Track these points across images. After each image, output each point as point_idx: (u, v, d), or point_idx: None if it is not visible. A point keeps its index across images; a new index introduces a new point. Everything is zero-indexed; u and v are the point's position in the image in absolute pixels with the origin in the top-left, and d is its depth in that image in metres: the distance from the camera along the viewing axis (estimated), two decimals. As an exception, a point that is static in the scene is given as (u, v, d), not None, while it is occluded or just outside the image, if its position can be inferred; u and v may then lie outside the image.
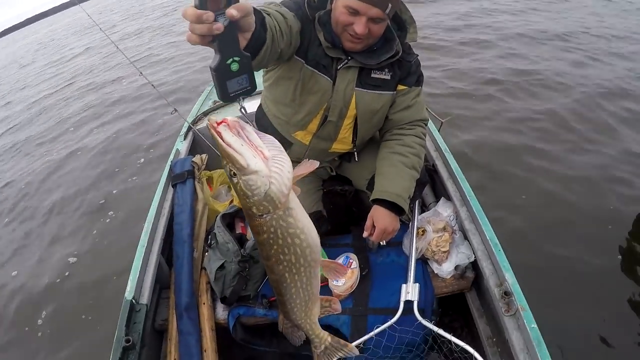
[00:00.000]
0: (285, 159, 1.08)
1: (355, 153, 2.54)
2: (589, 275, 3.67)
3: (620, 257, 3.76)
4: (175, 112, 3.80)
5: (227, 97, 1.18)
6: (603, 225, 4.10)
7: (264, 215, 1.11)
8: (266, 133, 2.43)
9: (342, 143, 2.40)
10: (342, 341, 1.60)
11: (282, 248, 1.19)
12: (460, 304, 2.67)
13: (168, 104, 3.92)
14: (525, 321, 1.94)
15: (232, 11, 1.05)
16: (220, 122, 1.01)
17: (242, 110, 1.33)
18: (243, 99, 1.24)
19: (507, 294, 2.07)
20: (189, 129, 3.76)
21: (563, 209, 4.34)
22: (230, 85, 1.16)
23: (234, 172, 1.04)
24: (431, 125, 3.14)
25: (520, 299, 2.03)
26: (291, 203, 1.13)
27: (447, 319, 2.82)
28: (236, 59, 1.14)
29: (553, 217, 4.26)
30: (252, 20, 1.19)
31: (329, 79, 2.14)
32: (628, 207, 4.27)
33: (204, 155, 3.31)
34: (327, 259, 1.38)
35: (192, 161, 3.12)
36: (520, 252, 3.36)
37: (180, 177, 2.98)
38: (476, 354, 1.97)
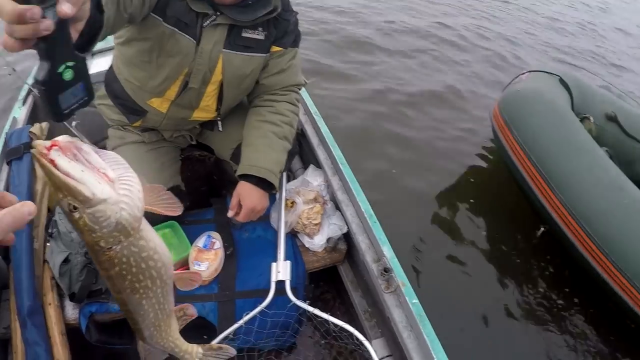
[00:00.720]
0: (132, 177, 0.89)
1: (219, 122, 2.28)
2: (466, 245, 3.86)
3: (496, 235, 4.02)
4: (13, 73, 3.23)
5: (60, 115, 0.91)
6: (482, 196, 4.40)
7: (114, 247, 0.91)
8: (118, 98, 2.16)
9: (205, 111, 2.15)
10: (215, 345, 1.47)
11: (136, 276, 1.01)
12: (330, 274, 2.60)
13: (5, 63, 3.36)
14: (406, 297, 1.89)
15: (64, 7, 0.74)
16: (51, 147, 0.77)
17: (74, 128, 1.07)
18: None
19: (386, 270, 2.00)
20: (29, 92, 3.19)
21: (437, 181, 4.51)
22: (63, 99, 0.89)
23: (74, 206, 0.82)
24: None
25: (399, 275, 1.98)
26: (141, 224, 0.96)
27: (318, 291, 2.73)
28: (70, 64, 0.86)
29: (429, 189, 4.41)
30: (88, 6, 0.88)
31: (191, 39, 1.83)
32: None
33: (44, 124, 2.78)
34: (178, 271, 1.21)
35: (30, 131, 2.65)
36: (392, 222, 3.43)
37: (16, 152, 2.51)
38: (356, 333, 1.90)
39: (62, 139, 0.80)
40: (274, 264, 2.15)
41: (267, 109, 2.15)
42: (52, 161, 0.77)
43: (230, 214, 2.13)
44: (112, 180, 0.85)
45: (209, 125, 2.35)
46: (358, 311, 2.33)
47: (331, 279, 2.70)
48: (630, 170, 4.13)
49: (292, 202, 2.34)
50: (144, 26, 1.79)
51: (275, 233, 2.29)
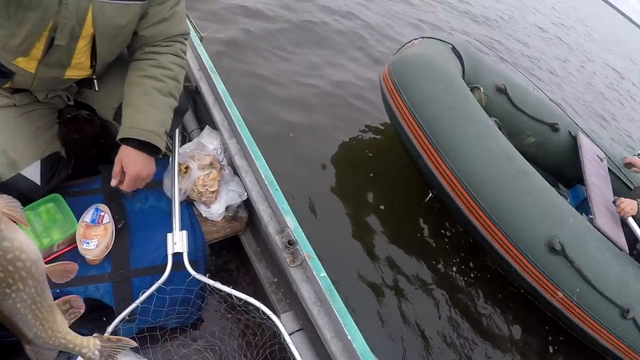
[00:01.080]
0: None
1: (95, 81, 2.04)
2: (366, 214, 3.96)
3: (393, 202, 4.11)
4: None
5: None
6: (379, 163, 4.54)
7: None
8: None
9: (78, 69, 1.89)
10: (113, 337, 1.34)
11: (5, 281, 0.92)
12: (233, 242, 2.49)
13: None
14: (313, 271, 1.82)
15: None
16: None
17: None
18: None
19: (291, 243, 1.91)
20: None
21: (335, 148, 4.58)
22: None
23: None
24: (195, 39, 2.73)
25: (305, 247, 1.90)
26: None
27: (220, 261, 2.62)
28: None
29: (327, 157, 4.45)
30: None
31: None
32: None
33: None
34: (50, 265, 1.08)
35: None
36: (293, 189, 3.38)
37: None
38: (262, 307, 1.84)
39: None
40: (169, 235, 2.03)
41: (149, 62, 1.94)
42: None
43: (113, 182, 1.94)
44: None
45: (86, 83, 2.09)
46: (263, 283, 2.26)
47: (234, 247, 2.59)
48: (517, 142, 4.40)
49: (187, 168, 2.19)
50: None
51: (170, 202, 2.15)
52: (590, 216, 3.68)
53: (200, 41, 2.78)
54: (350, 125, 5.03)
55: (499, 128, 4.06)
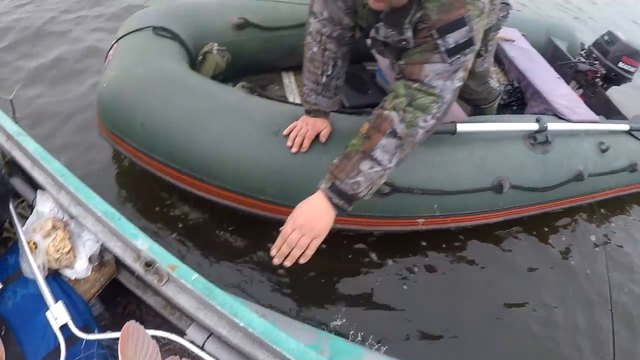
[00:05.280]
0: None
1: None
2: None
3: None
4: None
5: None
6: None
7: None
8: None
9: None
10: None
11: None
12: (121, 286, 2.44)
13: None
14: (183, 280, 1.81)
15: None
16: None
17: None
18: None
19: (148, 264, 1.89)
20: None
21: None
22: None
23: None
24: None
25: (166, 259, 1.88)
26: None
27: (119, 308, 2.56)
28: None
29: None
30: None
31: None
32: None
33: None
34: None
35: None
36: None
37: None
38: (172, 336, 1.85)
39: None
40: (48, 313, 1.99)
41: None
42: None
43: None
44: None
45: None
46: (159, 310, 2.23)
47: (123, 290, 2.56)
48: (289, 59, 4.02)
49: (34, 243, 2.14)
50: None
51: (35, 283, 2.10)
52: None
53: (13, 112, 2.67)
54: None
55: (251, 91, 3.48)
